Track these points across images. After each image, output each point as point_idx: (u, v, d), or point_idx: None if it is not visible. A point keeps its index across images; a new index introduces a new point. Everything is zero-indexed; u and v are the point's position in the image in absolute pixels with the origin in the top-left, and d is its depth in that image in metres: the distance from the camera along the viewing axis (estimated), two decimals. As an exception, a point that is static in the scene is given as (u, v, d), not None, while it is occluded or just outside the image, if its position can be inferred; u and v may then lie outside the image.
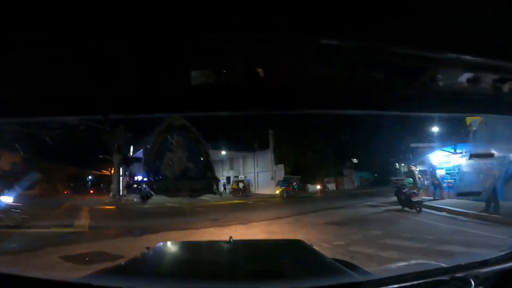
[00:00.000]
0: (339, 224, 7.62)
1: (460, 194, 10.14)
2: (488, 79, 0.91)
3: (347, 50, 0.82)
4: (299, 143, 29.18)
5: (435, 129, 13.13)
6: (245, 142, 29.77)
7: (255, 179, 30.55)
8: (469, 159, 9.69)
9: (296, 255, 1.66)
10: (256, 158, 30.82)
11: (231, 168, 33.51)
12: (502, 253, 1.02)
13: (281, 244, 2.24)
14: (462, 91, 0.93)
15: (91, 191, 23.69)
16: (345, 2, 0.70)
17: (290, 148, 28.48)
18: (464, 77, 0.90)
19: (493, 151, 8.38)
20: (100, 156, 20.62)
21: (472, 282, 0.84)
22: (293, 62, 0.87)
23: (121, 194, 17.60)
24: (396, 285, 0.85)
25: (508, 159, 8.45)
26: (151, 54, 0.80)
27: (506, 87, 0.91)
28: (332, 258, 1.54)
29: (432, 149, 12.64)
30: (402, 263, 2.64)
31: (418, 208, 8.89)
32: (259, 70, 0.84)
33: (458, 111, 1.12)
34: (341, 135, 33.03)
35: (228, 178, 31.70)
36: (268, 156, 28.88)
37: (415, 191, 9.31)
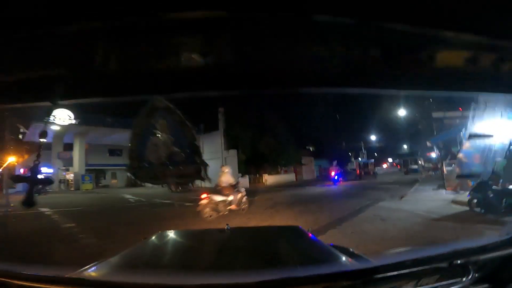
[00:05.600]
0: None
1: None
2: (487, 58, 0.90)
3: (342, 28, 0.80)
4: (256, 125, 23.76)
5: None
6: (189, 122, 23.22)
7: (200, 169, 24.28)
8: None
9: (294, 241, 1.63)
10: (202, 142, 24.44)
11: (171, 156, 26.84)
12: (500, 239, 1.00)
13: (279, 231, 2.16)
14: (461, 70, 0.93)
15: None
16: None
17: (244, 131, 22.85)
18: (463, 55, 0.90)
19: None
20: None
21: (471, 269, 0.83)
22: (286, 40, 0.84)
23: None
24: (395, 272, 0.83)
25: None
26: (132, 32, 0.78)
27: (505, 66, 0.91)
28: (330, 244, 1.51)
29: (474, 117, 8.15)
30: (400, 249, 2.47)
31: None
32: (249, 48, 0.83)
33: (457, 89, 1.11)
34: (301, 116, 29.09)
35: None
36: (217, 140, 22.90)
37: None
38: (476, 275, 0.83)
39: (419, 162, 25.89)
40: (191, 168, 1.02)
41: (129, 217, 8.18)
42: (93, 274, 1.11)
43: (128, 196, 15.01)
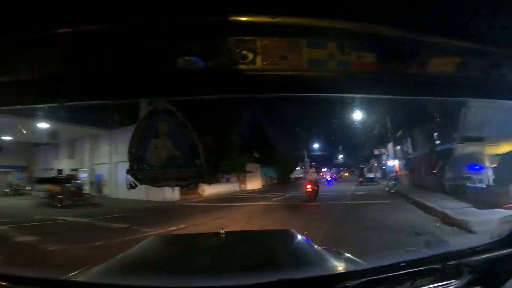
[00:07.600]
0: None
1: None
2: (477, 64, 0.93)
3: (337, 32, 0.82)
4: (191, 119, 18.42)
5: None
6: (97, 112, 16.79)
7: (111, 175, 17.89)
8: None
9: (287, 244, 1.65)
10: (115, 139, 18.03)
11: (71, 156, 19.96)
12: (490, 241, 0.99)
13: (271, 234, 2.25)
14: (452, 76, 0.94)
15: None
16: None
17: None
18: (454, 61, 0.91)
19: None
20: None
21: (464, 271, 0.85)
22: (282, 45, 0.86)
23: None
24: (390, 274, 0.84)
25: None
26: (134, 36, 0.79)
27: (495, 73, 0.93)
28: (322, 248, 1.52)
29: None
30: (393, 251, 2.38)
31: None
32: (248, 53, 0.82)
33: (448, 95, 1.13)
34: (247, 115, 24.94)
35: (60, 172, 18.65)
36: (137, 135, 16.78)
37: None
38: (470, 276, 0.84)
39: (365, 170, 24.12)
40: (191, 171, 0.99)
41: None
42: (87, 277, 1.12)
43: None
